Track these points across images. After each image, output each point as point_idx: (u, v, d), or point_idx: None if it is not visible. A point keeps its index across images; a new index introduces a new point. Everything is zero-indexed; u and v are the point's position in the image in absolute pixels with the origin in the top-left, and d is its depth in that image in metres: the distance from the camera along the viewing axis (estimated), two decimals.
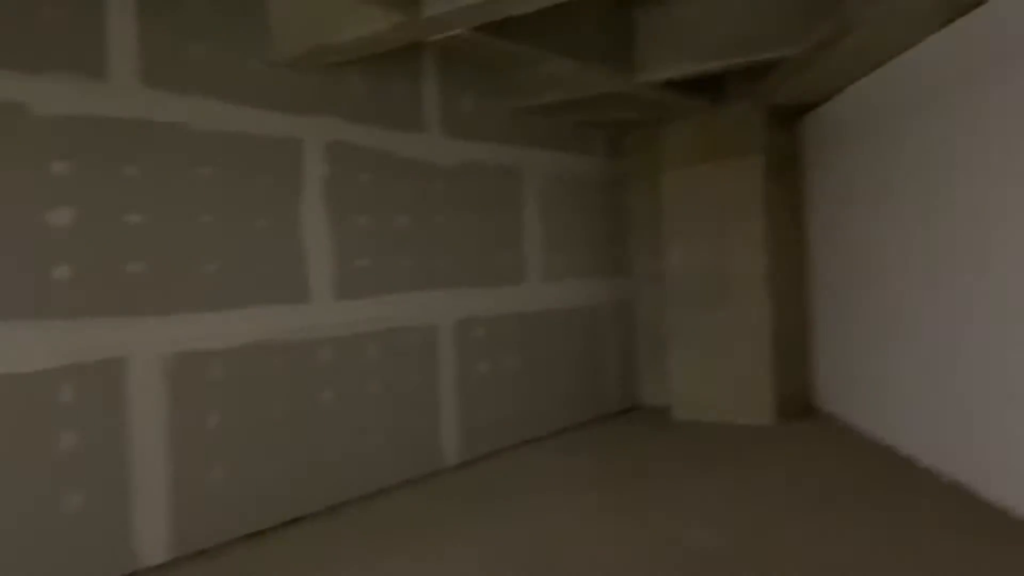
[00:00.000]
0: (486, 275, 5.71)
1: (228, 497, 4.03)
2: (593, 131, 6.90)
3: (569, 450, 5.80)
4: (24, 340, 3.31)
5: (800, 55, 4.75)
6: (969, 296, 4.20)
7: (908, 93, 4.80)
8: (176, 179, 3.88)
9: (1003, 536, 3.60)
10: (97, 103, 3.60)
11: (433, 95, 5.33)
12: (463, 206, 5.53)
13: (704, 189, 6.43)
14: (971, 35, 4.03)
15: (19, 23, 3.36)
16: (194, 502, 3.88)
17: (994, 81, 3.85)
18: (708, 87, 6.06)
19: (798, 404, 6.58)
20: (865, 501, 4.25)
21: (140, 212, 3.73)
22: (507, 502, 4.55)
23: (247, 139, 4.20)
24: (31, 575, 3.29)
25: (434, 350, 5.26)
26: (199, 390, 3.92)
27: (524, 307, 6.05)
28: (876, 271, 5.42)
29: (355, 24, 3.87)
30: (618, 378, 7.14)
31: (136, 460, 3.67)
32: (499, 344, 5.79)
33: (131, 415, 3.66)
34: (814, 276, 6.64)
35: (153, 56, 3.80)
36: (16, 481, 3.27)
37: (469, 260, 5.57)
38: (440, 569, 3.57)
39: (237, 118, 4.15)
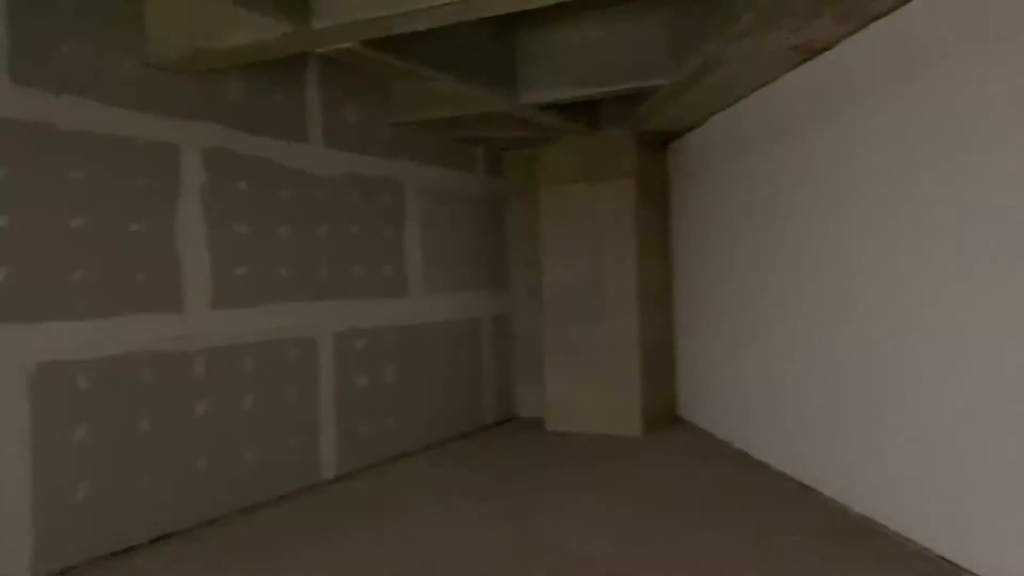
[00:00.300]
0: (367, 287, 5.72)
1: (96, 512, 3.86)
2: (472, 148, 7.06)
3: (447, 462, 5.87)
4: None
5: (671, 87, 5.07)
6: (811, 309, 4.61)
7: (765, 124, 5.22)
8: (44, 180, 3.71)
9: (842, 532, 3.96)
10: None
11: (316, 106, 5.32)
12: (345, 218, 5.53)
13: (580, 208, 6.70)
14: (820, 75, 4.45)
15: None
16: (60, 518, 3.70)
17: (838, 116, 4.27)
18: (584, 111, 6.34)
19: (664, 415, 6.94)
20: (726, 504, 4.56)
21: (4, 214, 3.54)
22: (385, 514, 4.57)
23: (122, 142, 4.06)
24: None
25: (313, 362, 5.22)
26: (65, 402, 3.74)
27: (405, 320, 6.09)
28: (732, 288, 5.83)
29: (239, 31, 3.84)
30: (495, 391, 7.29)
31: None
32: (379, 357, 5.81)
33: None
34: (677, 293, 7.04)
35: (24, 54, 3.63)
36: None
37: (350, 272, 5.56)
38: None
39: (112, 120, 4.01)
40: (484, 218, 7.19)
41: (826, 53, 4.33)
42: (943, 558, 3.49)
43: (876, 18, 3.83)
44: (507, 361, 7.48)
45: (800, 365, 4.83)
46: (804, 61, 4.56)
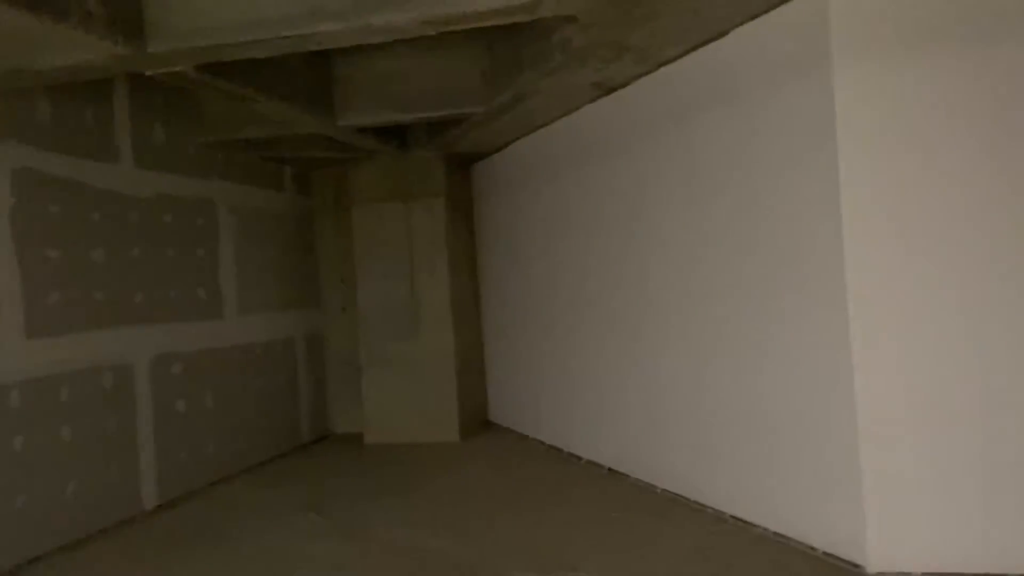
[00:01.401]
0: (183, 310, 5.59)
1: None
2: (280, 167, 7.07)
3: (271, 482, 5.86)
4: None
5: (483, 114, 5.50)
6: (610, 311, 5.23)
7: (564, 151, 5.81)
8: None
9: (652, 507, 4.57)
10: None
11: (124, 124, 5.15)
12: (159, 239, 5.38)
13: (392, 226, 6.95)
14: (615, 109, 5.08)
15: None
16: None
17: (630, 145, 4.92)
18: (394, 133, 6.61)
19: (478, 421, 7.36)
20: (547, 494, 5.03)
21: None
22: (221, 536, 4.54)
23: None
24: None
25: (130, 389, 5.04)
26: None
27: (220, 342, 6.00)
28: (534, 298, 6.37)
29: (65, 51, 3.71)
30: (310, 409, 7.32)
31: None
32: (196, 380, 5.68)
33: None
34: (485, 304, 7.50)
35: None
36: None
37: (166, 295, 5.42)
38: None
39: None
40: (295, 237, 7.22)
41: (622, 90, 4.97)
42: (735, 517, 4.16)
43: (664, 64, 4.49)
44: (321, 379, 7.54)
45: (600, 365, 5.43)
46: (601, 96, 5.18)
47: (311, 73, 5.35)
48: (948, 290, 3.30)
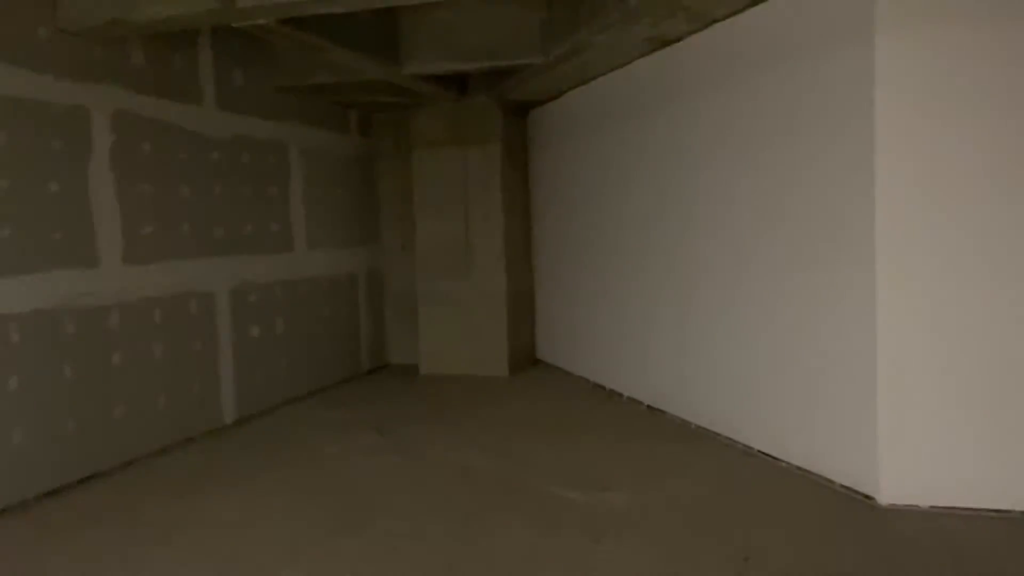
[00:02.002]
0: (258, 244, 6.05)
1: (28, 456, 4.09)
2: (346, 111, 7.43)
3: (334, 404, 6.38)
4: None
5: (540, 66, 5.74)
6: (656, 260, 5.51)
7: (617, 101, 6.03)
8: None
9: (685, 438, 4.92)
10: None
11: (208, 70, 5.54)
12: (237, 178, 5.81)
13: (450, 169, 7.28)
14: (667, 63, 5.28)
15: None
16: None
17: (680, 98, 5.13)
18: (454, 81, 6.89)
19: (526, 358, 7.76)
20: (587, 424, 5.43)
21: None
22: (293, 449, 5.05)
23: (37, 105, 4.21)
24: None
25: (212, 315, 5.54)
26: (0, 354, 3.94)
27: (291, 274, 6.47)
28: (585, 243, 6.67)
29: (162, 4, 4.09)
30: (370, 339, 7.81)
31: None
32: (269, 309, 6.17)
33: None
34: (537, 248, 7.83)
35: None
36: None
37: (242, 229, 5.87)
38: (251, 502, 4.04)
39: (26, 84, 4.15)
40: (358, 178, 7.61)
41: (674, 45, 5.16)
42: (761, 451, 4.49)
43: (715, 21, 4.67)
44: (380, 312, 8.00)
45: (641, 308, 5.74)
46: (655, 50, 5.37)
47: (379, 24, 5.65)
48: (969, 245, 3.51)
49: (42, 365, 4.19)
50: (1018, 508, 3.48)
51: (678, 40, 5.08)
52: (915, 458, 3.63)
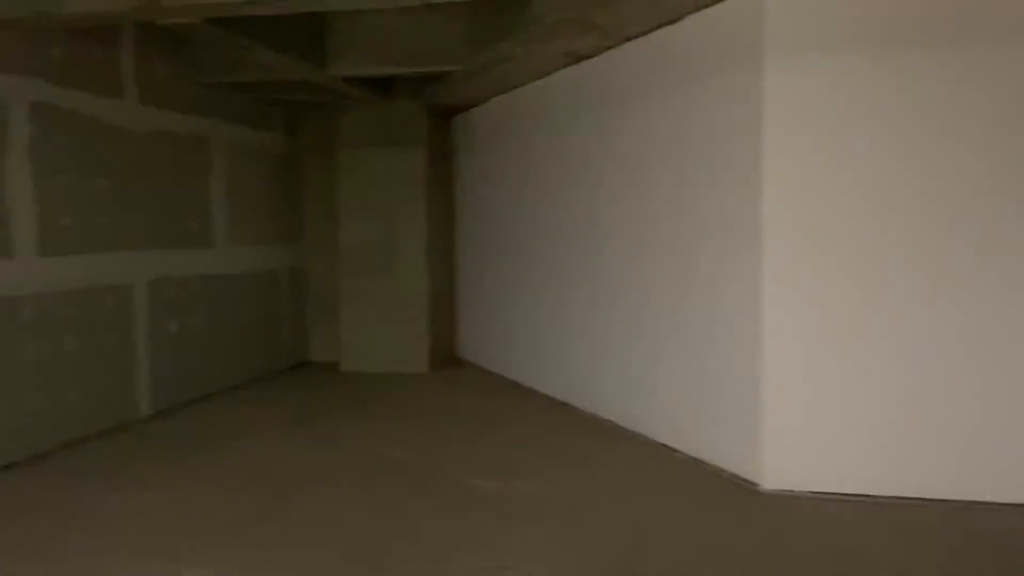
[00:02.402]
0: (178, 238, 6.06)
1: None
2: (271, 109, 7.47)
3: (254, 399, 6.44)
4: None
5: (463, 73, 5.95)
6: (568, 262, 5.79)
7: (536, 110, 6.29)
8: None
9: (596, 432, 5.20)
10: None
11: (130, 64, 5.54)
12: (157, 172, 5.82)
13: (375, 170, 7.42)
14: (583, 76, 5.57)
15: None
16: None
17: (595, 109, 5.42)
18: (381, 83, 7.03)
19: (446, 356, 7.95)
20: (502, 418, 5.65)
21: None
22: (212, 441, 5.12)
23: None
24: None
25: (129, 308, 5.54)
26: None
27: (211, 270, 6.49)
28: (505, 245, 6.91)
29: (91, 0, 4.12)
30: (291, 336, 7.86)
31: None
32: (188, 304, 6.19)
33: None
34: (459, 248, 8.03)
35: None
36: None
37: (163, 224, 5.88)
38: (167, 493, 4.12)
39: None
40: (282, 176, 7.66)
41: (590, 60, 5.44)
42: (662, 443, 4.80)
43: (627, 39, 4.97)
44: (302, 310, 8.06)
45: (555, 309, 6.01)
46: (571, 64, 5.64)
47: (306, 24, 5.75)
48: (846, 250, 3.88)
49: None
50: (884, 493, 3.86)
51: (593, 56, 5.36)
52: (795, 448, 3.98)
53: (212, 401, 6.32)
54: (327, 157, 7.85)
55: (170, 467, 4.56)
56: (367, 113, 7.40)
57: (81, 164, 5.07)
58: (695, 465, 4.44)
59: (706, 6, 4.27)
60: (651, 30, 4.75)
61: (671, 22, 4.57)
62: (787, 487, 3.98)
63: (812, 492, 3.94)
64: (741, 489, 4.05)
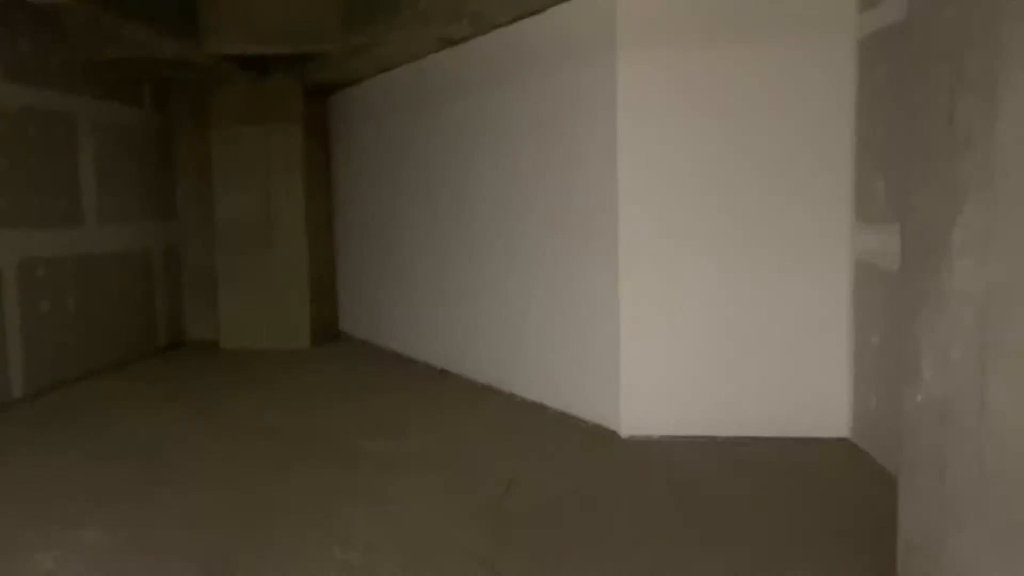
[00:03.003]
0: (48, 218, 5.96)
1: None
2: (140, 85, 7.36)
3: (131, 378, 6.44)
4: None
5: (339, 54, 6.12)
6: (441, 235, 6.12)
7: (410, 91, 6.55)
8: None
9: (473, 395, 5.58)
10: None
11: None
12: (23, 150, 5.71)
13: (251, 147, 7.46)
14: (455, 60, 5.87)
15: None
16: None
17: (466, 92, 5.74)
18: (255, 61, 7.07)
19: (327, 330, 8.12)
20: (383, 384, 5.95)
21: None
22: (90, 417, 5.15)
23: None
24: None
25: None
26: None
27: (83, 249, 6.41)
28: (381, 219, 7.16)
29: None
30: (166, 315, 7.81)
31: None
32: (59, 284, 6.11)
33: None
34: (338, 224, 8.20)
35: None
36: None
37: (30, 203, 5.78)
38: (43, 469, 4.19)
39: None
40: (154, 152, 7.57)
41: (461, 45, 5.75)
42: (534, 401, 5.24)
43: (497, 27, 5.30)
44: (178, 288, 8.02)
45: (433, 280, 6.34)
46: (443, 48, 5.93)
47: (178, 1, 5.77)
48: (679, 221, 4.40)
49: None
50: (721, 434, 4.43)
51: (464, 41, 5.67)
52: (647, 399, 4.49)
53: (88, 381, 6.28)
54: (201, 134, 7.80)
55: (43, 445, 4.59)
56: (242, 90, 7.42)
57: None
58: (563, 419, 4.90)
59: (564, 1, 4.67)
60: (517, 19, 5.10)
61: (534, 13, 4.94)
62: (642, 433, 4.49)
63: (662, 436, 4.47)
64: (603, 437, 4.53)
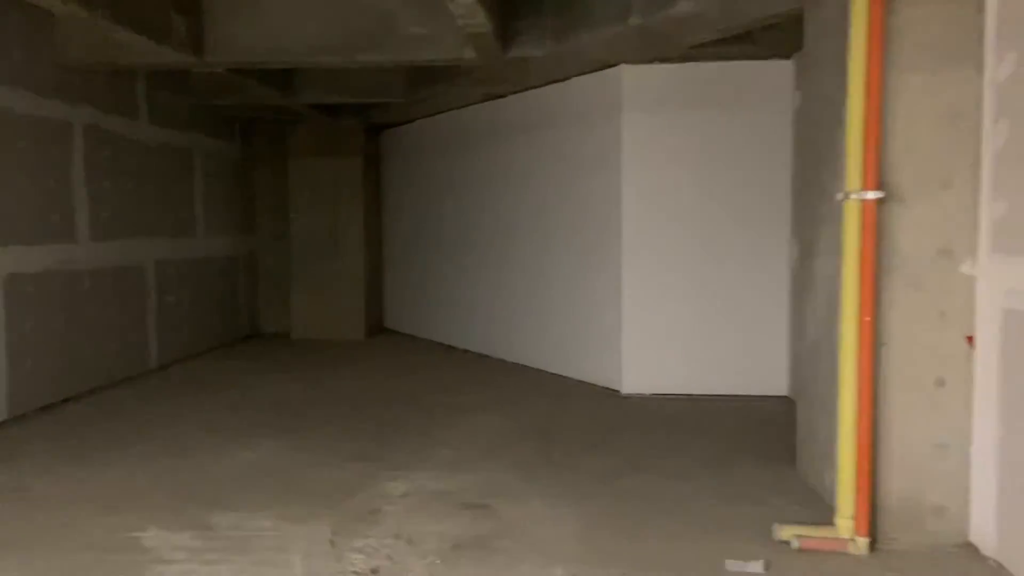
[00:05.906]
0: (174, 230, 7.62)
1: None
2: (232, 122, 9.04)
3: (235, 357, 8.07)
4: None
5: (401, 104, 7.81)
6: (483, 248, 7.76)
7: (456, 132, 8.24)
8: None
9: (505, 371, 7.20)
10: None
11: (143, 88, 7.07)
12: (162, 177, 7.37)
13: (322, 175, 9.15)
14: (495, 111, 7.55)
15: None
16: None
17: (501, 137, 7.41)
18: (329, 107, 8.74)
19: (378, 325, 9.77)
20: (428, 365, 7.59)
21: None
22: (222, 384, 6.78)
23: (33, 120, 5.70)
24: None
25: (142, 283, 7.09)
26: None
27: (195, 254, 8.06)
28: (424, 236, 8.82)
29: None
30: (247, 310, 9.46)
31: None
32: (174, 281, 7.74)
33: None
34: (387, 238, 9.87)
35: None
36: None
37: (167, 218, 7.44)
38: (209, 416, 5.81)
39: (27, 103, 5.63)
40: (240, 177, 9.24)
41: (500, 100, 7.43)
42: (555, 373, 6.88)
43: (529, 88, 6.98)
44: (254, 289, 9.67)
45: (469, 281, 8.00)
46: (486, 100, 7.61)
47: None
48: (669, 238, 6.05)
49: None
50: (696, 392, 6.06)
51: (504, 96, 7.36)
52: (643, 365, 6.13)
53: (198, 359, 7.91)
54: (275, 162, 9.47)
55: (196, 401, 6.22)
56: (315, 128, 9.10)
57: (121, 171, 6.59)
58: (580, 384, 6.54)
59: (586, 73, 6.34)
60: (547, 83, 6.78)
61: (560, 80, 6.62)
62: (638, 391, 6.12)
63: (653, 393, 6.10)
64: (609, 395, 6.17)
